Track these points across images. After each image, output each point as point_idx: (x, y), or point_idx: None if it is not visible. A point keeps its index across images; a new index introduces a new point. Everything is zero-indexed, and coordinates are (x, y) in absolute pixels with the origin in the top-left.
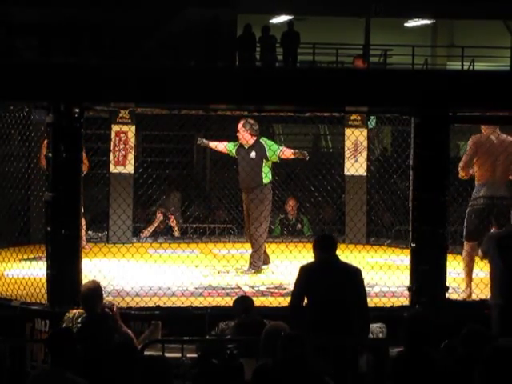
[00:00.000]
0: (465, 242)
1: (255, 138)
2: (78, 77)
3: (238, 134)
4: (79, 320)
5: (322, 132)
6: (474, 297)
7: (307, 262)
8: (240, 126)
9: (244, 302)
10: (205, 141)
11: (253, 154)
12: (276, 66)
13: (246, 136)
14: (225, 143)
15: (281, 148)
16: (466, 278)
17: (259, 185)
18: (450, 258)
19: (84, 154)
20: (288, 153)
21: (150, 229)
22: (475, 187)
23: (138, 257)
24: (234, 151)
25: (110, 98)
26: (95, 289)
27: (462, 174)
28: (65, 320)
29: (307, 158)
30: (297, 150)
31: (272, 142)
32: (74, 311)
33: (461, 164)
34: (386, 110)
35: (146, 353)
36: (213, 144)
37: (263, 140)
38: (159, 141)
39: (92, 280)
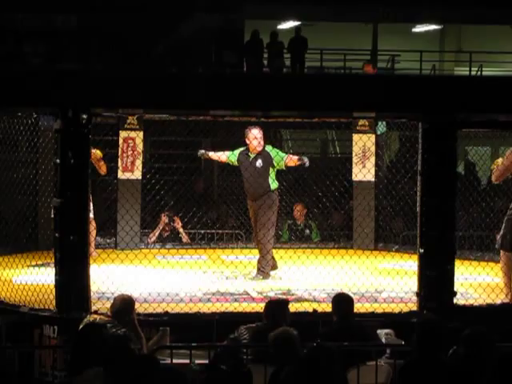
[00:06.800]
0: (501, 252)
1: (262, 146)
2: (85, 83)
3: (253, 141)
4: None
5: (330, 137)
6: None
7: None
8: (258, 132)
9: (269, 307)
10: (205, 152)
11: (259, 162)
12: (284, 72)
13: (261, 142)
14: (227, 153)
15: (285, 156)
16: (506, 288)
17: (267, 191)
18: (457, 263)
19: (102, 161)
20: (289, 159)
21: (156, 232)
22: None
23: (146, 263)
24: (234, 160)
25: (117, 104)
26: (129, 302)
27: (495, 180)
28: (83, 322)
29: (306, 164)
30: (300, 157)
31: (277, 150)
32: (96, 316)
33: (497, 173)
34: (394, 116)
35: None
36: (215, 155)
37: (268, 148)
38: (167, 147)
39: (126, 294)
